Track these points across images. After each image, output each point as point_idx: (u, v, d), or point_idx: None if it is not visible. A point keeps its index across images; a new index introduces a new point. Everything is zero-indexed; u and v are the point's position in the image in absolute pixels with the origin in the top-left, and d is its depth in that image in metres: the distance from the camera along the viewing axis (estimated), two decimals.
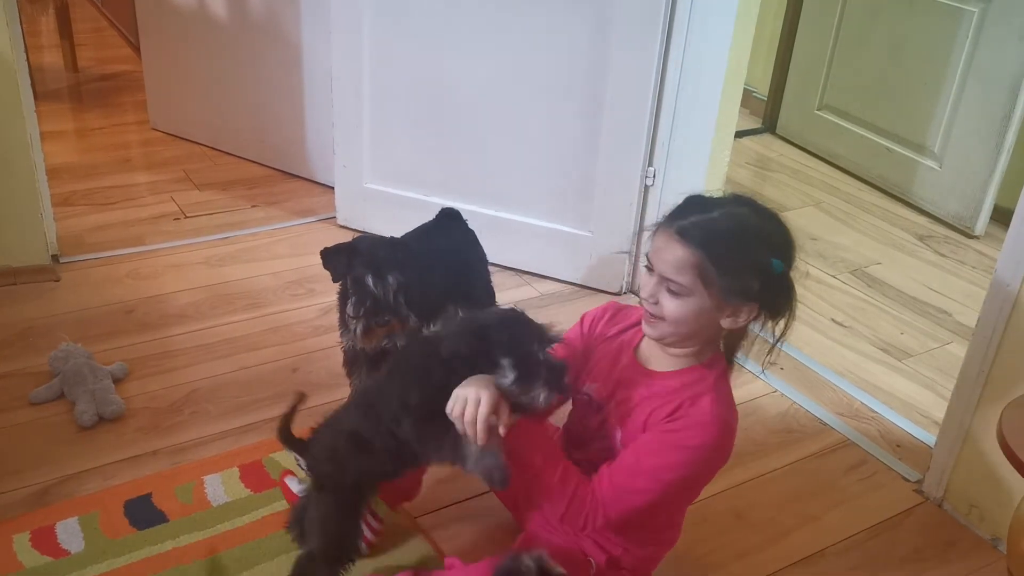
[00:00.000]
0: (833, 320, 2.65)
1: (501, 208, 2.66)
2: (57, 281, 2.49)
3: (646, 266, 1.40)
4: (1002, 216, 3.06)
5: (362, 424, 1.43)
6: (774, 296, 1.38)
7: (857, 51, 3.57)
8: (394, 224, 2.78)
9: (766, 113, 4.04)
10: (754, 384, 2.31)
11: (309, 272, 2.64)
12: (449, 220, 2.17)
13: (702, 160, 2.54)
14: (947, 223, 3.29)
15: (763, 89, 4.03)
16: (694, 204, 1.39)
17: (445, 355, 1.32)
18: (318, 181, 3.13)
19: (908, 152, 3.41)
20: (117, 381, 2.10)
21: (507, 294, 2.57)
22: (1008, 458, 1.38)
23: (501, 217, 2.66)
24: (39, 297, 2.42)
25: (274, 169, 3.23)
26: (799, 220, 3.25)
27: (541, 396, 1.31)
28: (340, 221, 2.89)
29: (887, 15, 3.43)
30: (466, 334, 1.34)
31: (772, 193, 3.46)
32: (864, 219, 3.32)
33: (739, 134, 3.81)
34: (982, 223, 3.20)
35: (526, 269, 2.71)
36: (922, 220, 3.34)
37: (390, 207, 2.78)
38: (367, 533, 1.69)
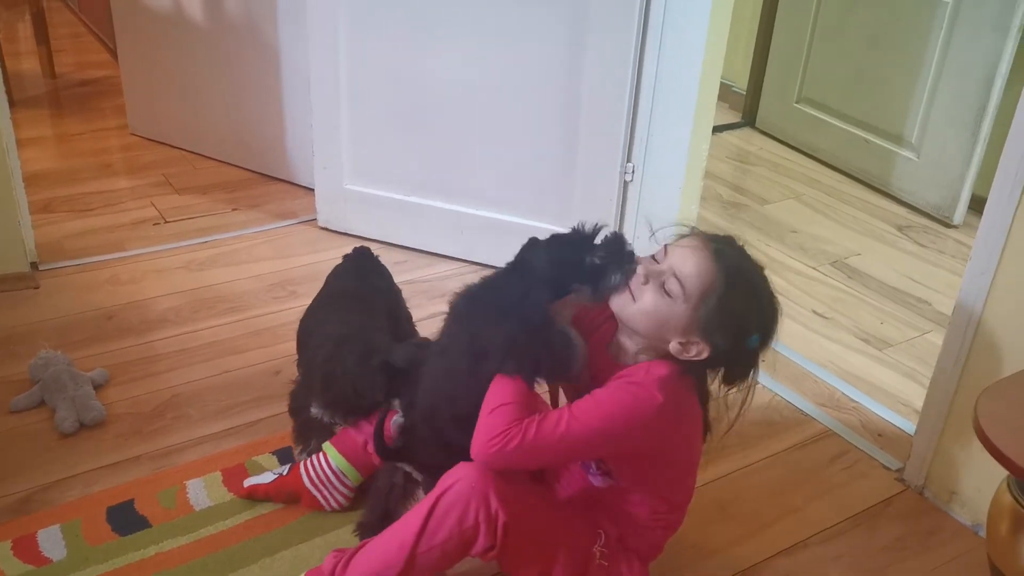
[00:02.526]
0: (814, 312, 2.66)
1: (481, 206, 2.67)
2: (36, 288, 2.48)
3: (653, 256, 1.41)
4: (980, 206, 3.04)
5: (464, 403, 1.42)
6: (732, 362, 1.41)
7: (834, 43, 3.59)
8: (374, 225, 2.80)
9: (745, 107, 4.06)
10: None
11: (291, 275, 2.64)
12: (363, 260, 2.09)
13: (681, 155, 2.55)
14: (926, 213, 3.31)
15: (741, 83, 4.05)
16: (727, 240, 1.42)
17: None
18: (298, 183, 3.12)
19: (886, 143, 3.43)
20: (98, 387, 2.09)
21: None
22: (984, 445, 1.39)
23: (481, 215, 2.66)
24: (18, 305, 2.41)
25: (254, 172, 3.23)
26: (779, 213, 3.27)
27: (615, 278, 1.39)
28: (321, 223, 2.88)
29: (863, 7, 3.45)
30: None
31: (753, 187, 3.48)
32: (844, 211, 3.34)
33: (718, 128, 3.84)
34: (960, 213, 3.22)
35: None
36: (901, 211, 3.36)
37: (371, 208, 2.78)
38: (340, 500, 1.75)
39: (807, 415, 2.20)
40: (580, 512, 1.54)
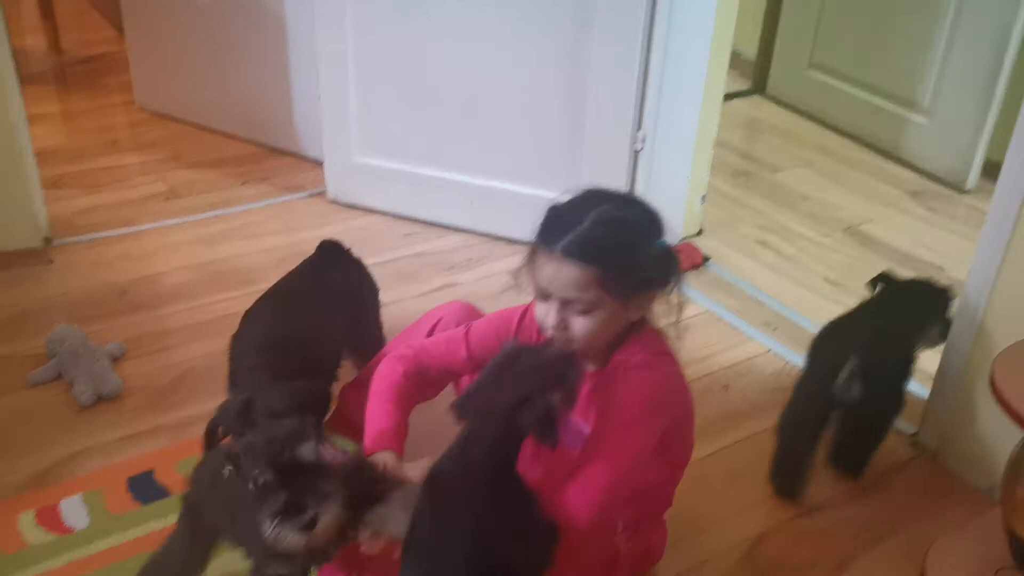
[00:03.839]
0: (826, 279, 2.66)
1: (490, 177, 2.66)
2: (50, 263, 2.49)
3: (538, 297, 1.39)
4: (993, 170, 3.03)
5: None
6: (667, 273, 1.40)
7: (846, 7, 3.56)
8: (383, 197, 2.80)
9: (755, 74, 4.02)
10: (748, 344, 2.33)
11: (301, 248, 2.61)
12: (333, 254, 1.99)
13: (691, 123, 2.54)
14: (938, 178, 3.29)
15: (751, 50, 4.02)
16: (560, 220, 1.35)
17: None
18: (307, 156, 3.12)
19: (898, 108, 3.40)
20: (114, 361, 2.10)
21: (497, 264, 2.58)
22: (1001, 406, 1.39)
23: (490, 186, 2.66)
24: (32, 280, 2.42)
25: (262, 146, 3.22)
26: (790, 180, 3.25)
27: None
28: (330, 196, 2.88)
29: None
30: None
31: (763, 154, 3.46)
32: (855, 177, 3.32)
33: (728, 96, 3.79)
34: (973, 177, 3.20)
35: (516, 238, 2.71)
36: (913, 176, 3.34)
37: (379, 180, 2.78)
38: None
39: None
40: None
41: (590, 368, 1.44)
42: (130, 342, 2.18)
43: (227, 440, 1.58)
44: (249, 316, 1.81)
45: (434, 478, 1.25)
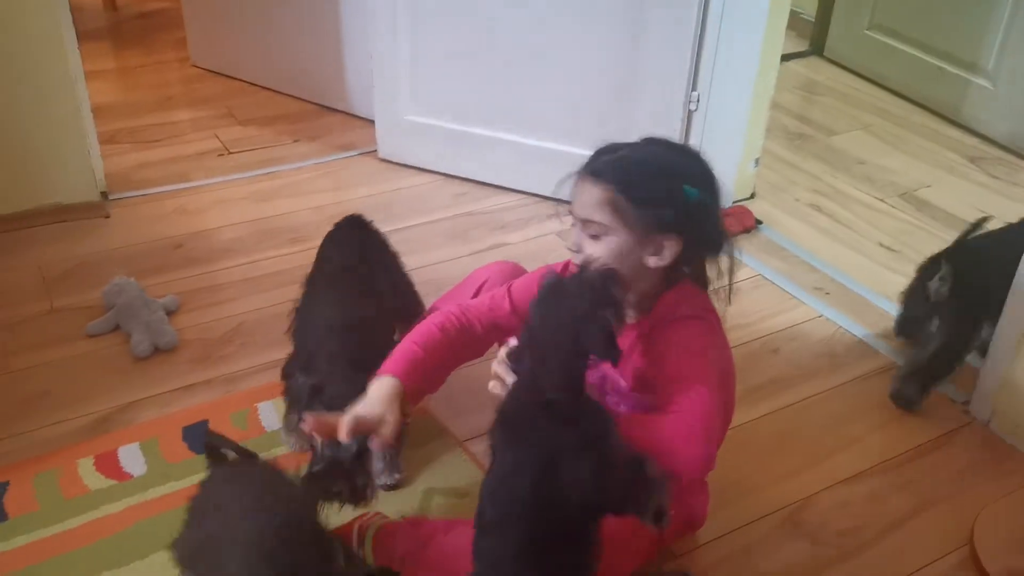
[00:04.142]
0: (880, 244, 2.61)
1: (542, 137, 2.64)
2: (107, 217, 2.54)
3: (572, 222, 1.39)
4: None
5: None
6: (695, 226, 1.34)
7: None
8: (434, 156, 2.80)
9: (813, 35, 3.94)
10: (798, 310, 2.30)
11: (351, 206, 2.64)
12: (354, 230, 1.94)
13: (747, 84, 2.50)
14: (1000, 144, 3.21)
15: (810, 10, 3.93)
16: (606, 149, 1.37)
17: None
18: (358, 115, 3.13)
19: (960, 71, 3.31)
20: (169, 313, 2.15)
21: (547, 224, 2.57)
22: None
23: (542, 146, 2.64)
24: (90, 233, 2.47)
25: (314, 104, 3.24)
26: (846, 144, 3.19)
27: None
28: (381, 155, 2.89)
29: None
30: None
31: (819, 117, 3.40)
32: (914, 141, 3.25)
33: (785, 57, 3.72)
34: None
35: (566, 199, 2.70)
36: (974, 141, 3.25)
37: (430, 139, 2.78)
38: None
39: (871, 348, 2.18)
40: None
41: (629, 318, 1.39)
42: (184, 295, 2.23)
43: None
44: (315, 294, 1.80)
45: (506, 415, 1.22)
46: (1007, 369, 1.89)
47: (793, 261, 2.51)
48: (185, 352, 2.05)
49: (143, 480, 1.69)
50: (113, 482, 1.68)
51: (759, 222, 2.65)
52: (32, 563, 1.52)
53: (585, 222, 1.35)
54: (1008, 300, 1.88)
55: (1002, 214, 2.78)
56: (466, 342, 1.54)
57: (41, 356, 2.02)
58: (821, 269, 2.47)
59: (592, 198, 1.33)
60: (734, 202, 2.71)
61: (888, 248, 2.60)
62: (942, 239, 2.64)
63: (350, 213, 1.97)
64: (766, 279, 2.42)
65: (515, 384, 1.24)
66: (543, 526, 1.15)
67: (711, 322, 1.40)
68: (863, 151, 3.15)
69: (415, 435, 1.79)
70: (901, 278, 2.44)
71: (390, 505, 1.63)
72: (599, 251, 1.34)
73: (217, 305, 2.22)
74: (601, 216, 1.33)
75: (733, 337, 2.15)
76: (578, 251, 1.37)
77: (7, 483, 1.67)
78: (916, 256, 2.54)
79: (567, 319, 1.19)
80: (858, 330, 2.23)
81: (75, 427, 1.83)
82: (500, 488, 1.19)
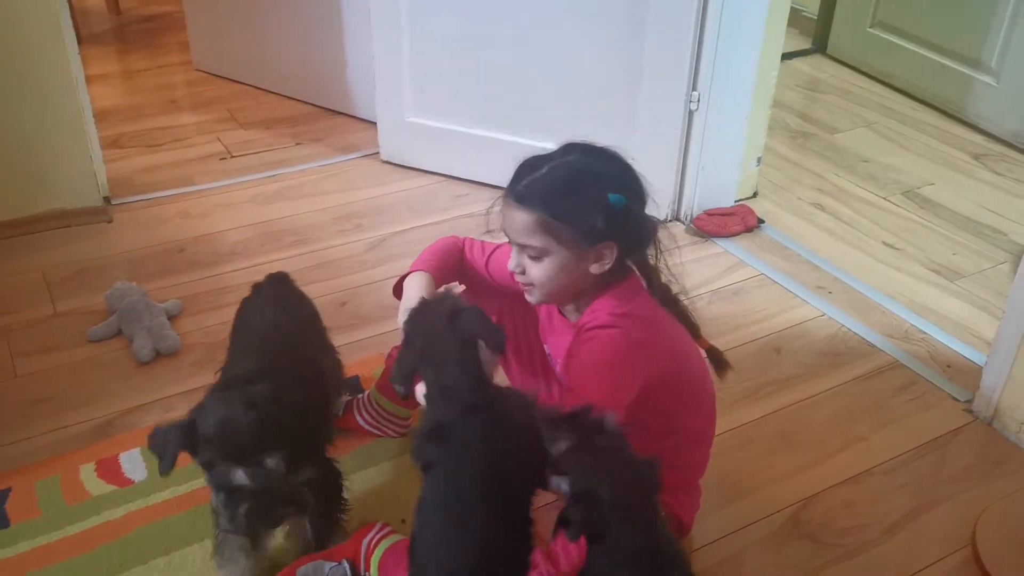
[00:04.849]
0: (884, 242, 2.60)
1: (543, 138, 2.62)
2: (110, 222, 2.55)
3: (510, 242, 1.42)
4: None
5: None
6: (626, 229, 1.37)
7: None
8: (436, 158, 2.80)
9: (816, 33, 3.93)
10: (801, 308, 2.30)
11: (355, 208, 2.67)
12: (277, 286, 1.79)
13: (748, 83, 2.49)
14: (1004, 141, 3.19)
15: (813, 7, 3.92)
16: (525, 167, 1.39)
17: None
18: (360, 117, 3.13)
19: (964, 68, 3.30)
20: (172, 318, 2.15)
21: None
22: None
23: (543, 148, 2.63)
24: (93, 238, 2.48)
25: (316, 106, 3.24)
26: (850, 142, 3.18)
27: None
28: (383, 156, 2.89)
29: None
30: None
31: (822, 115, 3.39)
32: (917, 139, 3.23)
33: (787, 55, 3.72)
34: None
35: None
36: (978, 138, 3.24)
37: (432, 141, 2.78)
38: (398, 431, 1.78)
39: (874, 346, 2.17)
40: None
41: (571, 317, 1.47)
42: (188, 299, 2.23)
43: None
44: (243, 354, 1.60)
45: (435, 432, 1.19)
46: (1010, 368, 1.88)
47: (796, 260, 2.50)
48: (187, 356, 2.06)
49: (144, 486, 1.69)
50: (114, 488, 1.69)
51: (761, 221, 2.64)
52: (33, 569, 1.53)
53: (522, 247, 1.38)
54: (1010, 298, 1.87)
55: (1007, 212, 2.79)
56: (463, 268, 1.62)
57: (44, 361, 2.03)
58: (824, 268, 2.47)
59: (523, 224, 1.35)
60: (736, 201, 2.70)
61: (891, 247, 2.59)
62: (946, 237, 2.64)
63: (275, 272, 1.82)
64: (769, 278, 2.42)
65: (429, 403, 1.24)
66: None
67: (626, 331, 1.37)
68: (866, 149, 3.14)
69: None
70: (905, 277, 2.45)
71: (389, 515, 1.63)
72: (542, 272, 1.37)
73: (220, 309, 2.22)
74: (536, 240, 1.35)
75: (736, 336, 2.17)
76: (522, 272, 1.40)
77: (9, 489, 1.68)
78: (919, 254, 2.54)
79: (441, 318, 1.22)
80: (861, 329, 2.23)
81: (77, 432, 1.84)
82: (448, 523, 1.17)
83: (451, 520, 1.16)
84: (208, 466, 1.29)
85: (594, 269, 1.38)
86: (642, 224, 1.40)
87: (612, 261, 1.38)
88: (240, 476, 1.27)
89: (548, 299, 1.45)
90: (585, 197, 1.34)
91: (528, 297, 1.45)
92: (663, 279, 1.46)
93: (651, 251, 1.44)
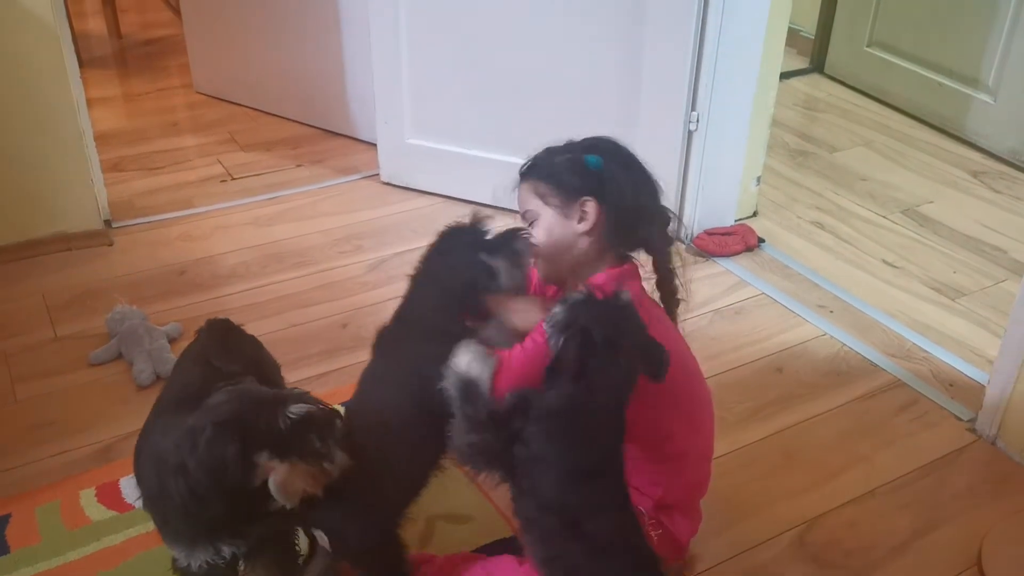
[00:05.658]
0: (884, 261, 2.61)
1: None
2: (110, 245, 2.55)
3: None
4: None
5: None
6: (603, 187, 1.46)
7: None
8: (436, 179, 2.81)
9: (814, 52, 3.95)
10: (802, 328, 2.30)
11: (356, 229, 2.67)
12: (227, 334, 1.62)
13: (746, 103, 2.50)
14: (1002, 158, 3.20)
15: (810, 27, 3.94)
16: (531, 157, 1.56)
17: None
18: (360, 138, 3.14)
19: (961, 86, 3.31)
20: (172, 341, 2.15)
21: None
22: None
23: None
24: (93, 261, 2.48)
25: (316, 128, 3.25)
26: (848, 161, 3.19)
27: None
28: (384, 178, 2.90)
29: None
30: None
31: (821, 134, 3.40)
32: (916, 157, 3.24)
33: (785, 75, 3.74)
34: None
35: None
36: (976, 156, 3.25)
37: (432, 162, 2.79)
38: None
39: (876, 365, 2.17)
40: None
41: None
42: (188, 322, 2.23)
43: None
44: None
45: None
46: (1013, 387, 1.88)
47: (796, 279, 2.50)
48: None
49: (144, 512, 1.68)
50: (115, 513, 1.68)
51: (762, 240, 2.64)
52: None
53: (523, 215, 1.52)
54: (1012, 317, 1.87)
55: (1006, 229, 2.79)
56: None
57: (45, 385, 2.03)
58: (824, 287, 2.47)
59: (522, 195, 1.52)
60: (736, 220, 2.70)
61: (892, 265, 2.59)
62: (946, 255, 2.64)
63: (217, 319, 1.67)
64: (770, 297, 2.41)
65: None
66: None
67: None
68: (865, 167, 3.15)
69: None
70: (905, 295, 2.45)
71: None
72: (539, 233, 1.49)
73: None
74: (530, 204, 1.50)
75: (737, 356, 2.17)
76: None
77: (9, 515, 1.67)
78: (920, 273, 2.55)
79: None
80: (862, 348, 2.22)
81: (78, 457, 1.83)
82: None
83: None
84: None
85: (580, 228, 1.46)
86: (623, 188, 1.47)
87: (594, 218, 1.45)
88: None
89: (550, 271, 1.52)
90: (563, 158, 1.49)
91: (538, 273, 1.54)
92: (671, 264, 1.53)
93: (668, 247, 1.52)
